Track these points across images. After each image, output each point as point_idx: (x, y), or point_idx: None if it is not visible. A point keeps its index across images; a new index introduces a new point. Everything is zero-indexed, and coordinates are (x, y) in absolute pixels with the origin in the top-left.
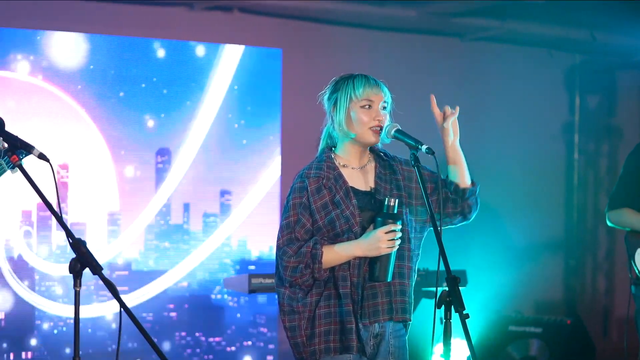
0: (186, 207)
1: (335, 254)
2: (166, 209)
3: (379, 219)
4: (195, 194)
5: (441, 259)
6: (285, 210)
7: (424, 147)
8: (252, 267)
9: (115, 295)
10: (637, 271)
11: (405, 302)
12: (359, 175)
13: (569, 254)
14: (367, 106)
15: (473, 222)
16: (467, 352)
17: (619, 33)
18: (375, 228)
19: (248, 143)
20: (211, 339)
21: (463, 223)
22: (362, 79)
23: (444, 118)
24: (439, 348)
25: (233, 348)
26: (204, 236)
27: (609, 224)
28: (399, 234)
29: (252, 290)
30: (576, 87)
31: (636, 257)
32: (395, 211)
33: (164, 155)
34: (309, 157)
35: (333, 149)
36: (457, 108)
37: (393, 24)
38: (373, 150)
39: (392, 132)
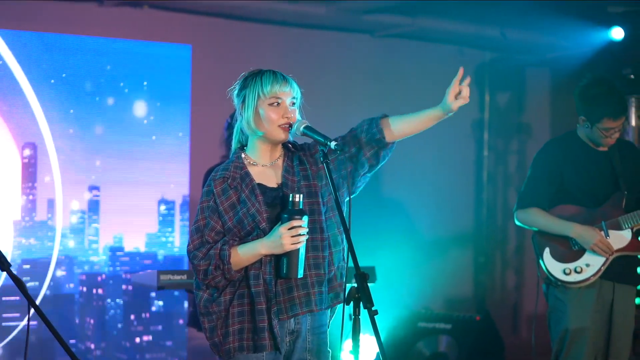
0: (50, 203)
1: (242, 254)
2: (32, 205)
3: (285, 215)
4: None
5: (350, 255)
6: (196, 215)
7: (332, 144)
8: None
9: (24, 292)
10: (545, 270)
11: (322, 292)
12: (269, 171)
13: (478, 251)
14: (275, 104)
15: (382, 218)
16: (377, 349)
17: (529, 31)
18: (280, 225)
19: (157, 139)
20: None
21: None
22: (269, 75)
23: (456, 97)
24: (348, 344)
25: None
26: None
27: (516, 222)
28: (305, 229)
29: (161, 287)
30: (486, 84)
31: (544, 257)
32: (301, 206)
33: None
34: (217, 153)
35: (245, 148)
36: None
37: (303, 21)
38: (284, 144)
39: (301, 128)
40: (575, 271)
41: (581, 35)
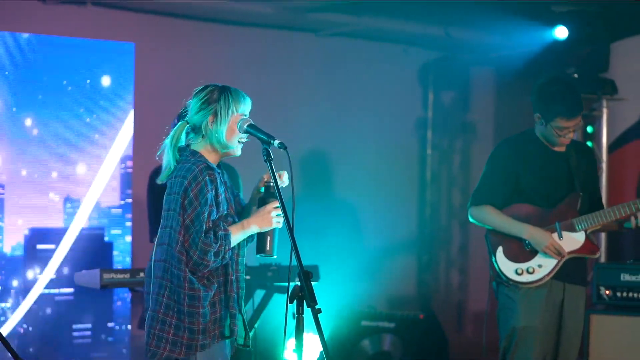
0: None
1: (236, 231)
2: None
3: (267, 198)
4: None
5: (293, 254)
6: (188, 205)
7: (276, 142)
8: None
9: None
10: (497, 269)
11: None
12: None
13: (422, 250)
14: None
15: (326, 217)
16: (320, 347)
17: (473, 30)
18: (259, 206)
19: (100, 138)
20: None
21: None
22: (240, 94)
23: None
24: (291, 343)
25: None
26: None
27: (470, 219)
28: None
29: (104, 286)
30: (430, 83)
31: (497, 256)
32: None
33: None
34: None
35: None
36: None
37: (248, 19)
38: None
39: (245, 126)
40: (528, 272)
41: (525, 35)
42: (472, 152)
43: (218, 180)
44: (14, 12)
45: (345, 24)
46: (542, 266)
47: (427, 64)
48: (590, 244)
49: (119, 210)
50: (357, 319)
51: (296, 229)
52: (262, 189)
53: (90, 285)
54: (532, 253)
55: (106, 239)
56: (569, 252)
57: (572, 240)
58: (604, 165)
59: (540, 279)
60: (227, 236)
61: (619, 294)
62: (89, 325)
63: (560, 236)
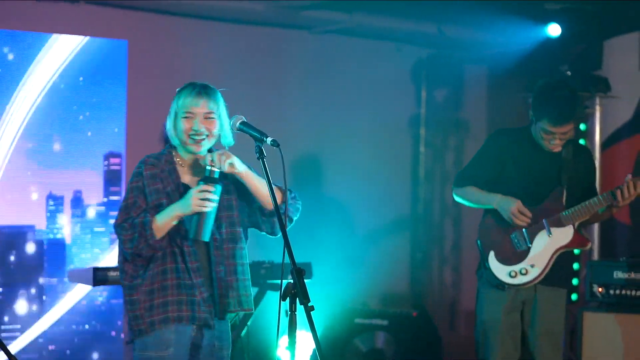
0: None
1: (160, 218)
2: None
3: (201, 182)
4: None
5: (286, 251)
6: (125, 193)
7: (269, 140)
8: None
9: None
10: (492, 276)
11: None
12: (195, 173)
13: (415, 247)
14: (188, 117)
15: (319, 215)
16: (313, 345)
17: (466, 28)
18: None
19: (93, 135)
20: None
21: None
22: (188, 90)
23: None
24: (284, 340)
25: None
26: None
27: (455, 198)
28: (215, 197)
29: (97, 283)
30: (423, 80)
31: (490, 261)
32: (216, 176)
33: None
34: (154, 149)
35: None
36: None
37: (241, 17)
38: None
39: (237, 124)
40: (521, 273)
41: (518, 32)
42: (466, 149)
43: (170, 182)
44: (4, 9)
45: (339, 22)
46: (534, 266)
47: (420, 61)
48: (579, 237)
49: (102, 208)
50: (350, 316)
51: (289, 226)
52: (207, 171)
53: (84, 282)
54: (523, 253)
55: (89, 236)
56: (560, 248)
57: (562, 235)
58: (597, 163)
59: (535, 279)
60: (143, 223)
61: (612, 292)
62: None
63: (549, 233)
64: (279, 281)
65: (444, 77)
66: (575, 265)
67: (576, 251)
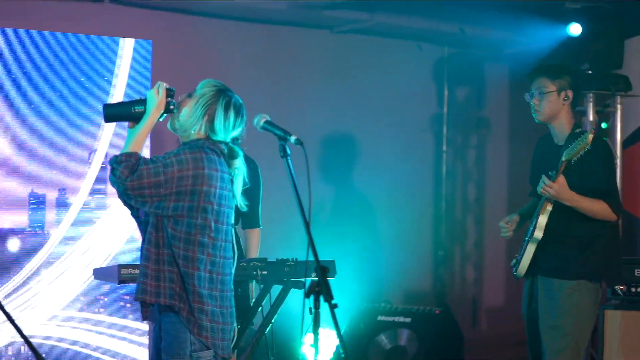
0: None
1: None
2: None
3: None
4: None
5: (310, 249)
6: (166, 164)
7: (292, 138)
8: None
9: None
10: None
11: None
12: None
13: (437, 245)
14: None
15: (343, 212)
16: (337, 342)
17: (487, 27)
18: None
19: (118, 134)
20: None
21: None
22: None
23: None
24: (308, 338)
25: None
26: None
27: None
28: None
29: (122, 281)
30: (445, 79)
31: None
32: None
33: None
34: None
35: None
36: None
37: (263, 16)
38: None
39: (262, 123)
40: (514, 265)
41: (539, 31)
42: (487, 148)
43: None
44: (28, 9)
45: (360, 21)
46: (517, 257)
47: (441, 60)
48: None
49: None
50: (374, 314)
51: (313, 224)
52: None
53: (110, 280)
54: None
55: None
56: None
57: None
58: (618, 161)
59: (513, 266)
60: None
61: (633, 289)
62: None
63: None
64: (303, 279)
65: (465, 75)
66: None
67: None
